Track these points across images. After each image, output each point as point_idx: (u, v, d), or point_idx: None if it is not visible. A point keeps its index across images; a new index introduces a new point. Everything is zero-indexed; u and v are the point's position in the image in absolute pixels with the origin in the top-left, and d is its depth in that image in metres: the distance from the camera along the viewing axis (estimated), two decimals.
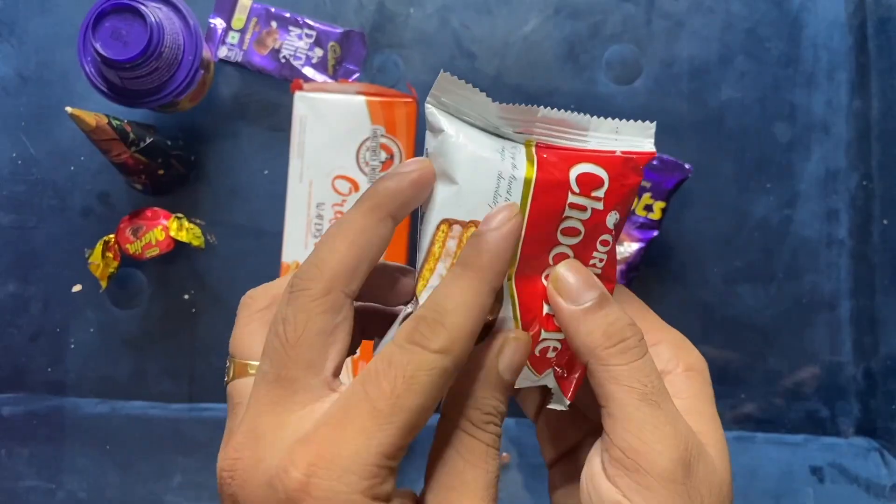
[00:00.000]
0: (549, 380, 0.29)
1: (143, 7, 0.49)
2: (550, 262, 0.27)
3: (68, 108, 0.48)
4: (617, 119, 0.28)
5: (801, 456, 0.58)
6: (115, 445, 0.58)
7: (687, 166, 0.55)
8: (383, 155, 0.54)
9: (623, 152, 0.28)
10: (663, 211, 0.55)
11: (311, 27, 0.59)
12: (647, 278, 0.58)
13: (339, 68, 0.59)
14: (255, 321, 0.29)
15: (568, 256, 0.27)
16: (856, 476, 0.57)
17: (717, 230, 0.60)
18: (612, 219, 0.27)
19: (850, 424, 0.59)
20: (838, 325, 0.60)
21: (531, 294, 0.27)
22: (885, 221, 0.59)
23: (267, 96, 0.60)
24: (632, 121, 0.29)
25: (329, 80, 0.59)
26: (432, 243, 0.27)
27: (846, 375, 0.59)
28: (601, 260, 0.28)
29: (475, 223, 0.27)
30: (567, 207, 0.27)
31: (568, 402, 0.29)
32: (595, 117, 0.28)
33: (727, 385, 0.59)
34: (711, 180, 0.60)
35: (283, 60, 0.59)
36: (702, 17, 0.61)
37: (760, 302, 0.59)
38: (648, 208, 0.55)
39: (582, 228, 0.27)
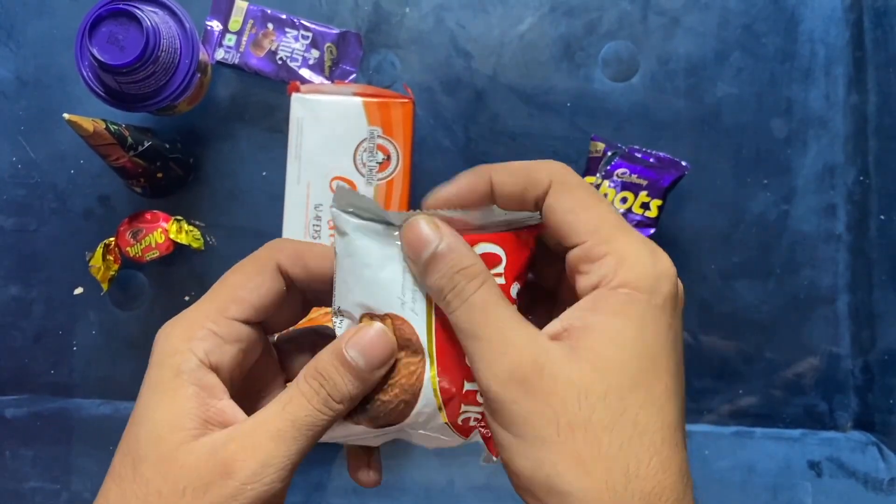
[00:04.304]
0: (475, 437, 0.30)
1: (138, 11, 0.49)
2: None
3: (66, 115, 0.48)
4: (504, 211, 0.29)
5: (799, 450, 0.58)
6: (118, 446, 0.59)
7: (684, 163, 0.55)
8: (380, 156, 0.54)
9: (515, 230, 0.29)
10: (660, 209, 0.55)
11: (307, 28, 0.59)
12: None
13: (335, 69, 0.60)
14: None
15: None
16: (854, 470, 0.58)
17: (715, 226, 0.60)
18: (514, 290, 0.29)
19: (848, 419, 0.60)
20: (836, 320, 0.60)
21: (452, 368, 0.28)
22: (882, 216, 0.59)
23: (264, 98, 0.60)
24: (518, 212, 0.29)
25: (326, 82, 0.59)
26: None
27: (844, 370, 0.60)
28: None
29: (391, 316, 0.28)
30: None
31: (495, 459, 0.30)
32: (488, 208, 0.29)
33: (725, 380, 0.59)
34: (708, 177, 0.60)
35: (279, 62, 0.59)
36: (698, 14, 0.61)
37: (758, 297, 0.60)
38: (645, 206, 0.55)
39: None
